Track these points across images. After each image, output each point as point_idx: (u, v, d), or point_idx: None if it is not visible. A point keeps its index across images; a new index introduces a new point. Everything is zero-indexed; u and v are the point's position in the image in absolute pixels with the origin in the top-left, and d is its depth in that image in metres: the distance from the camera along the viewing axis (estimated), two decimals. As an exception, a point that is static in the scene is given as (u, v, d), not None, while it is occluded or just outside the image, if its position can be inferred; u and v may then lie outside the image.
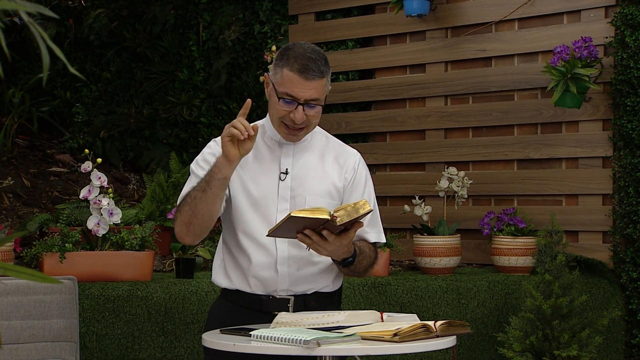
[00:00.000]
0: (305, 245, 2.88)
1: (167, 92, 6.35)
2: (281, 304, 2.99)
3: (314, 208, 2.77)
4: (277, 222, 2.80)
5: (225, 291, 3.08)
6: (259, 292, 2.99)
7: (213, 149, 3.03)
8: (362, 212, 2.74)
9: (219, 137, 2.94)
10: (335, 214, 2.72)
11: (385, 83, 5.66)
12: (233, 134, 2.81)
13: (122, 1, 6.47)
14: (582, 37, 4.71)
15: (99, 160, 4.07)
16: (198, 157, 3.07)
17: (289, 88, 2.91)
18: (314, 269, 3.01)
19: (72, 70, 1.41)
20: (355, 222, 2.79)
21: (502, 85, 5.22)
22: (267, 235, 2.84)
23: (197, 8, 6.35)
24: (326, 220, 2.72)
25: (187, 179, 3.08)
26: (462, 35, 5.36)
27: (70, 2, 5.97)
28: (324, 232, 2.78)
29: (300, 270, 2.99)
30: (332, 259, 2.96)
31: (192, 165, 3.06)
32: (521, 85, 5.15)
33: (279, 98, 2.93)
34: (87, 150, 4.18)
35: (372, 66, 5.74)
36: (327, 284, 3.06)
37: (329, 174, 3.06)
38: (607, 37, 4.81)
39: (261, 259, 2.98)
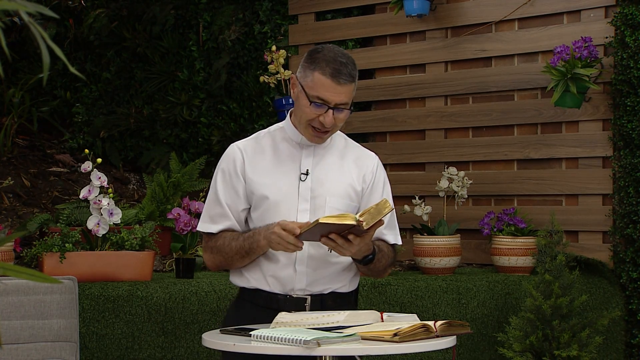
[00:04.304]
0: (326, 247, 2.91)
1: (167, 92, 6.35)
2: (298, 304, 2.99)
3: (340, 214, 2.81)
4: (304, 227, 2.82)
5: (243, 291, 3.09)
6: (277, 290, 3.00)
7: (230, 168, 3.04)
8: (385, 212, 2.79)
9: (235, 145, 3.06)
10: (360, 219, 2.75)
11: (385, 83, 5.65)
12: (278, 249, 2.90)
13: (122, 1, 6.47)
14: (582, 37, 4.71)
15: (99, 160, 4.07)
16: (219, 182, 3.06)
17: (321, 92, 2.92)
18: (331, 268, 3.03)
19: (72, 70, 1.41)
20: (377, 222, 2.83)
21: (502, 85, 5.22)
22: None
23: (197, 8, 6.35)
24: (352, 225, 2.75)
25: (209, 194, 3.09)
26: (462, 35, 5.35)
27: (70, 2, 5.97)
28: (350, 237, 2.81)
29: (317, 270, 3.01)
30: (353, 258, 2.99)
31: (219, 190, 3.04)
32: (521, 85, 5.15)
33: (310, 102, 2.94)
34: (87, 150, 4.18)
35: (372, 66, 5.74)
36: (344, 284, 3.07)
37: (348, 175, 3.08)
38: (607, 37, 4.81)
39: (280, 259, 2.99)
